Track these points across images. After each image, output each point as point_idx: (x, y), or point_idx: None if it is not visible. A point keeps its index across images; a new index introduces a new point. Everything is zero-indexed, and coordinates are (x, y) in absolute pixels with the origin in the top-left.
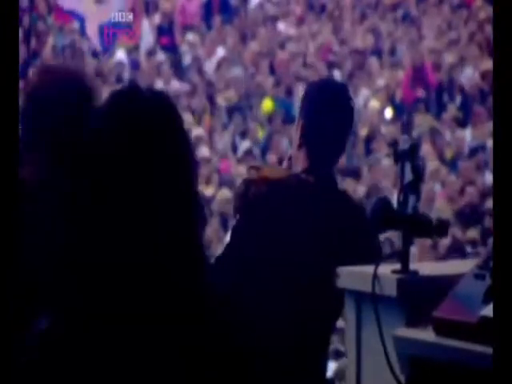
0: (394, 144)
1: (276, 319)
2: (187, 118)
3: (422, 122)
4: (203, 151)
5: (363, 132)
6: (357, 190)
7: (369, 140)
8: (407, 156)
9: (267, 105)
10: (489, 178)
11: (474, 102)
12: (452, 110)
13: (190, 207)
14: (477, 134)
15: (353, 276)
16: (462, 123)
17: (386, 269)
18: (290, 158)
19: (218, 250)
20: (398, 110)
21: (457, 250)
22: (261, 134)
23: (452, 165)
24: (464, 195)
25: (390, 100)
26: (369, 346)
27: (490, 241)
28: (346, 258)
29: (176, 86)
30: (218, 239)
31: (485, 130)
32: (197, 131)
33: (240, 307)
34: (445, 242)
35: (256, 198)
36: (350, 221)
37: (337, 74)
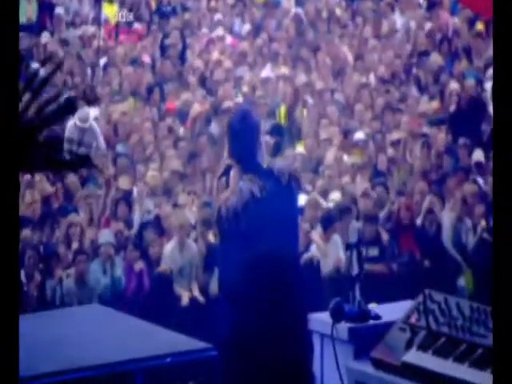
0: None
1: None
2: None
3: (366, 7)
4: (219, 31)
5: (324, 15)
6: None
7: (328, 21)
8: (354, 247)
9: None
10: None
11: None
12: None
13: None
14: (404, 18)
15: (319, 321)
16: (392, 9)
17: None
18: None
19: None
20: None
21: (389, 108)
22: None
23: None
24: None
25: None
26: (330, 373)
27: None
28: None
29: None
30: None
31: (410, 14)
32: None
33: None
34: (380, 102)
35: (225, 212)
36: (285, 199)
37: None
